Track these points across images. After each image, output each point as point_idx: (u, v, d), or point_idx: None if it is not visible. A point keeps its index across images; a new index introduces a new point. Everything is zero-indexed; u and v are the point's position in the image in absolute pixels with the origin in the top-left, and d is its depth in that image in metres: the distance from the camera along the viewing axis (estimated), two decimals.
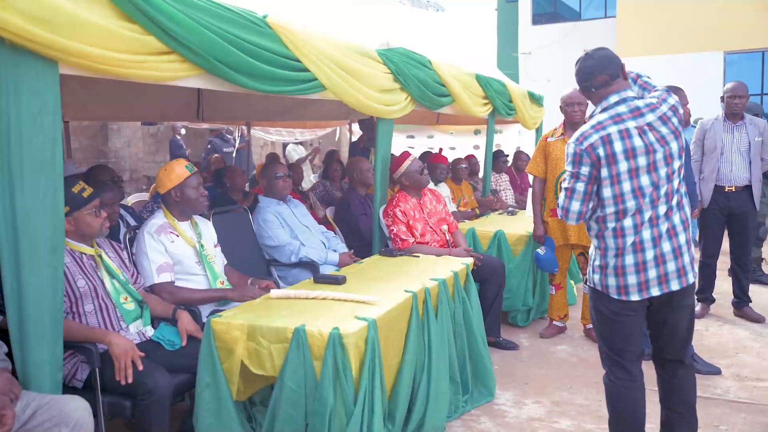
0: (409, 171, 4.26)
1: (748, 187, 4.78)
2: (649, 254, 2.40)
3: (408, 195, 4.27)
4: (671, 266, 2.41)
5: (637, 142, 2.38)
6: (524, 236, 4.78)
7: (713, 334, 4.61)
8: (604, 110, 2.47)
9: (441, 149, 6.96)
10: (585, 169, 2.40)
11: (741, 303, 5.03)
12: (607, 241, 2.46)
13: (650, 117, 2.41)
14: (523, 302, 4.79)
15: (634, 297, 2.44)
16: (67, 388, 2.40)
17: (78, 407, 2.14)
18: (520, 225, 5.08)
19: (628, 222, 2.41)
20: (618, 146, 2.37)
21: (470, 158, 7.38)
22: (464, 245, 4.39)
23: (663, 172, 2.39)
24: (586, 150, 2.39)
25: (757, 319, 4.90)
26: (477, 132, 10.94)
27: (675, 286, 2.43)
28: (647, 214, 2.40)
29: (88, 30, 2.06)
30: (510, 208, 6.15)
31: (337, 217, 5.07)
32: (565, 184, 2.48)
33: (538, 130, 7.35)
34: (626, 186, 2.38)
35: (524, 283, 4.77)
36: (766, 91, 13.18)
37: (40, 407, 2.09)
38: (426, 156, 6.63)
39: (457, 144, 11.08)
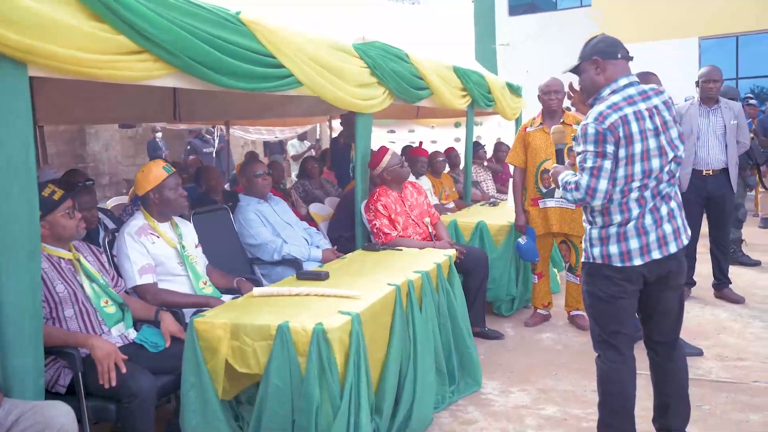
0: (389, 165, 4.26)
1: (725, 170, 4.83)
2: (648, 219, 2.47)
3: (389, 189, 4.27)
4: (668, 228, 2.50)
5: (649, 124, 2.43)
6: (506, 226, 4.80)
7: (695, 316, 4.66)
8: (613, 92, 2.49)
9: (421, 143, 6.95)
10: (610, 148, 2.40)
11: (721, 285, 5.10)
12: (612, 216, 2.49)
13: (656, 101, 2.48)
14: (506, 292, 4.81)
15: (637, 261, 2.47)
16: (50, 394, 2.38)
17: (61, 413, 2.12)
18: (501, 215, 5.10)
19: (634, 195, 2.45)
20: (634, 127, 2.40)
21: (451, 151, 7.39)
22: (446, 237, 4.40)
23: (670, 155, 2.47)
24: (609, 129, 2.39)
25: (737, 300, 4.97)
26: (457, 125, 10.95)
27: (673, 248, 2.50)
28: (650, 191, 2.47)
29: (57, 30, 2.04)
30: (492, 199, 6.17)
31: (347, 210, 4.76)
32: (589, 164, 2.43)
33: (518, 121, 7.37)
34: (638, 167, 2.42)
35: (507, 272, 4.79)
36: (741, 76, 13.33)
37: (23, 414, 2.06)
38: (406, 150, 6.63)
39: (437, 137, 11.08)
